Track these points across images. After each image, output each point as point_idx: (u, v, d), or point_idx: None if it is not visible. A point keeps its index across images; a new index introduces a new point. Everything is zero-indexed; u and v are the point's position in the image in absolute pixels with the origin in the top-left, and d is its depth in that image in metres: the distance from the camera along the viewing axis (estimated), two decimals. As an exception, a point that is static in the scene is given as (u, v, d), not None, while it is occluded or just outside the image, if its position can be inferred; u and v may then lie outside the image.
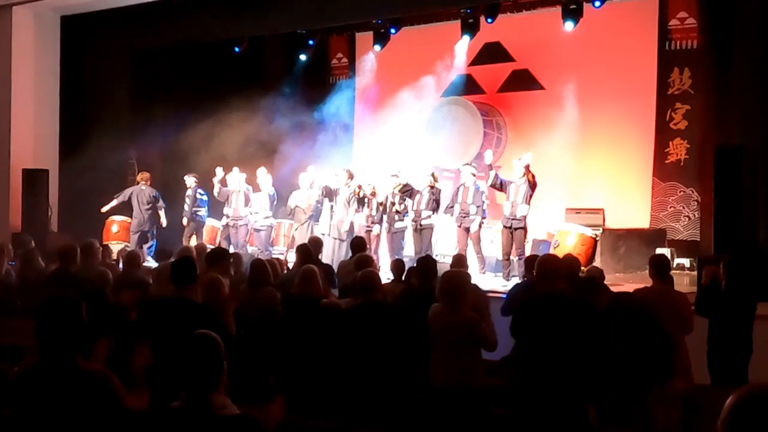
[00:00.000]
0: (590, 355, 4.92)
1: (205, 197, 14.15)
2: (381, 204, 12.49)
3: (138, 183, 14.00)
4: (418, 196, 12.10)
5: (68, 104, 15.39)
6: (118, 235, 14.06)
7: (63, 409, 3.31)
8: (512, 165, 11.57)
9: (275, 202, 13.54)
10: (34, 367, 3.43)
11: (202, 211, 14.18)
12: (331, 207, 12.56)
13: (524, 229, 11.17)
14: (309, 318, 5.82)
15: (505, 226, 11.27)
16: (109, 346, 4.35)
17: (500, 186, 11.41)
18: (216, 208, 14.15)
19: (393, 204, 12.35)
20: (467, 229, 11.69)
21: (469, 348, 5.35)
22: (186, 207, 14.06)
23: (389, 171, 12.81)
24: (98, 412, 3.33)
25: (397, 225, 12.32)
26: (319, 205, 12.87)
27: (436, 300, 5.47)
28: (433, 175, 12.30)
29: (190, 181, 14.07)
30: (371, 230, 12.56)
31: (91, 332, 4.13)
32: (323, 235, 12.13)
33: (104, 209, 13.84)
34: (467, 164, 12.23)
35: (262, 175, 13.39)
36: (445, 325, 5.35)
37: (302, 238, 11.93)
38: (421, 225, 11.99)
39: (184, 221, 14.10)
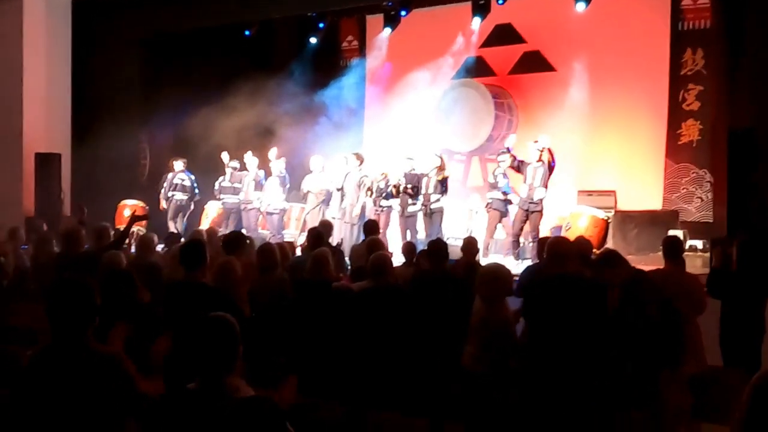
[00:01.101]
0: (601, 336, 4.92)
1: (186, 182, 14.17)
2: (395, 186, 12.45)
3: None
4: (425, 180, 12.07)
5: (80, 89, 15.44)
6: (131, 219, 14.07)
7: (75, 391, 3.32)
8: (527, 147, 11.50)
9: (287, 186, 13.56)
10: (46, 349, 3.45)
11: (180, 195, 14.16)
12: (341, 191, 12.57)
13: (540, 212, 11.17)
14: (321, 301, 5.84)
15: (521, 208, 11.26)
16: (127, 331, 4.36)
17: (518, 167, 11.36)
18: (207, 191, 14.33)
19: (405, 187, 12.32)
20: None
21: (502, 343, 5.33)
22: (162, 190, 14.19)
23: (399, 154, 12.80)
24: (110, 394, 3.35)
25: (410, 209, 12.29)
26: (330, 190, 12.90)
27: (448, 282, 5.47)
28: (440, 158, 12.26)
29: (178, 165, 14.16)
30: (381, 212, 12.56)
31: (109, 316, 4.15)
32: (333, 219, 12.16)
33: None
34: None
35: (274, 158, 13.42)
36: (481, 321, 5.34)
37: (314, 222, 11.95)
38: (430, 209, 11.97)
39: (163, 204, 14.22)
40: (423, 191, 12.05)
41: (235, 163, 13.93)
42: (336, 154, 13.22)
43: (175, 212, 14.17)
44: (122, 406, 3.41)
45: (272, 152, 13.46)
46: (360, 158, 12.65)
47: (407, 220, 12.34)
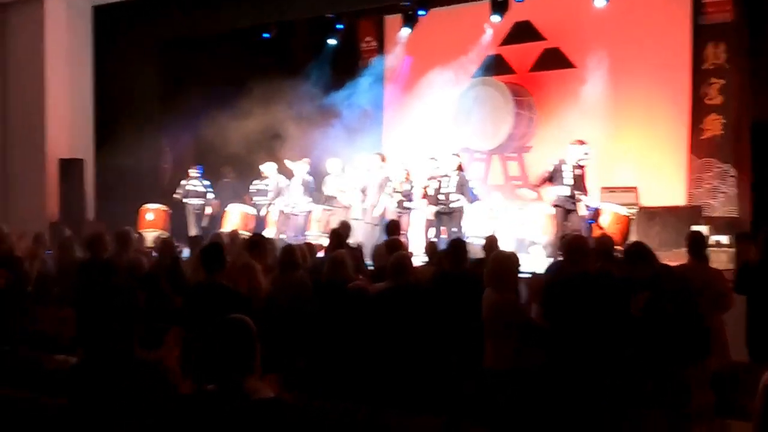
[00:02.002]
0: (623, 334, 4.89)
1: (200, 188, 14.46)
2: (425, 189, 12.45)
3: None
4: (446, 180, 12.03)
5: (101, 94, 15.58)
6: (154, 223, 14.20)
7: (118, 398, 3.34)
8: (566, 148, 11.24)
9: (312, 188, 13.61)
10: (90, 357, 3.47)
11: (194, 200, 14.48)
12: (363, 191, 12.59)
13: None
14: (338, 302, 5.84)
15: (558, 206, 11.06)
16: (180, 335, 4.41)
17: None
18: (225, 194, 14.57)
19: (426, 188, 12.31)
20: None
21: (508, 331, 5.32)
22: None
23: (419, 154, 12.78)
24: (154, 401, 3.37)
25: (432, 208, 12.24)
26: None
27: (468, 281, 5.46)
28: (458, 157, 12.22)
29: (192, 172, 14.53)
30: (404, 213, 12.56)
31: (158, 321, 4.18)
32: (356, 219, 12.18)
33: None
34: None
35: (297, 162, 13.47)
36: (493, 309, 5.33)
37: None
38: (450, 208, 11.93)
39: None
40: (444, 191, 12.00)
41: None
42: (356, 155, 13.23)
43: (193, 217, 14.45)
44: (166, 411, 3.41)
45: (293, 158, 13.54)
46: (383, 158, 12.66)
47: (430, 220, 12.29)
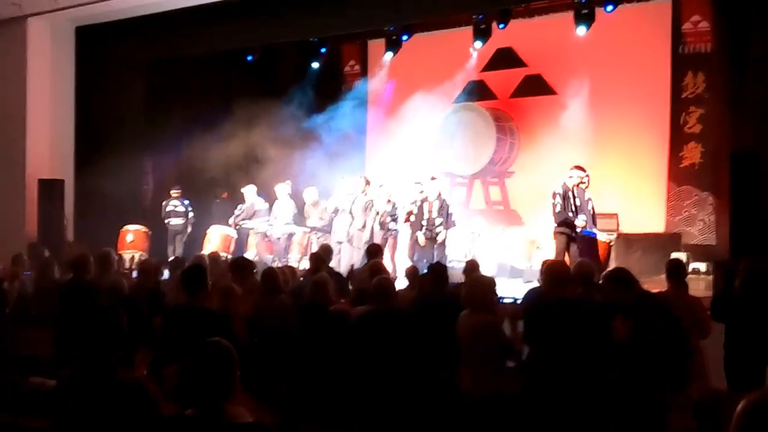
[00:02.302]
0: (601, 358, 4.90)
1: (180, 207, 14.50)
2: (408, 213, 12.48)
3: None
4: (427, 205, 12.07)
5: (84, 114, 15.50)
6: (134, 244, 14.11)
7: (102, 419, 3.33)
8: (565, 176, 11.27)
9: (294, 211, 13.62)
10: (72, 377, 3.45)
11: (174, 221, 14.53)
12: (351, 213, 12.60)
13: None
14: (320, 326, 5.83)
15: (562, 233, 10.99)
16: (149, 357, 4.38)
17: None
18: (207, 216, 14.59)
19: (410, 212, 12.35)
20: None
21: (489, 352, 5.33)
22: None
23: (402, 178, 12.82)
24: (137, 421, 3.35)
25: (419, 232, 12.24)
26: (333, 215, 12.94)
27: (447, 305, 5.47)
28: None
29: (174, 193, 14.60)
30: (389, 236, 12.56)
31: (132, 342, 4.16)
32: (340, 243, 12.21)
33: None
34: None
35: (280, 184, 13.48)
36: (468, 330, 5.34)
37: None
38: (435, 233, 11.95)
39: None
40: (426, 216, 12.03)
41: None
42: (340, 178, 13.25)
43: (171, 238, 14.50)
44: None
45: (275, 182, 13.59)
46: (367, 182, 12.69)
47: (418, 244, 12.29)
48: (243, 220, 13.88)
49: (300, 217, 13.66)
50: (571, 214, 10.76)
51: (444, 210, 12.00)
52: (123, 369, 3.50)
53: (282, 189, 13.52)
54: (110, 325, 3.46)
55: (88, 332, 3.44)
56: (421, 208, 12.07)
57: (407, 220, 12.45)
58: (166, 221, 14.52)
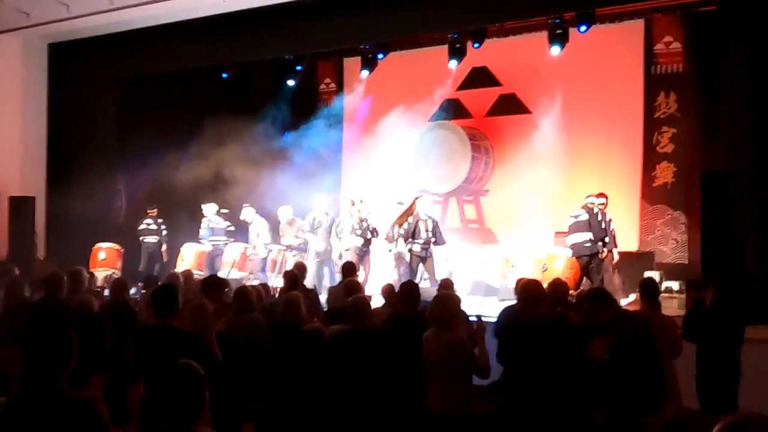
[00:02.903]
0: (573, 378, 4.90)
1: (153, 226, 14.60)
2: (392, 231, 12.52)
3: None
4: (422, 224, 12.11)
5: (56, 131, 15.35)
6: (105, 262, 13.99)
7: None
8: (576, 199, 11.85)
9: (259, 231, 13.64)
10: (21, 395, 3.40)
11: (148, 238, 14.60)
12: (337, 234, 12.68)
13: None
14: (292, 344, 5.78)
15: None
16: (105, 380, 4.29)
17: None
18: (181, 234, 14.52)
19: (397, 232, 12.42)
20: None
21: (460, 371, 5.31)
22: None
23: (379, 195, 12.86)
24: None
25: (414, 249, 12.24)
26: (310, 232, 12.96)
27: (420, 324, 5.44)
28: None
29: (151, 212, 14.65)
30: (363, 255, 12.55)
31: (86, 363, 4.09)
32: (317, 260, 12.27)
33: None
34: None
35: (245, 208, 13.70)
36: (436, 349, 5.32)
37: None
38: (429, 252, 12.09)
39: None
40: (424, 236, 12.09)
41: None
42: (315, 196, 13.22)
43: (145, 256, 14.53)
44: None
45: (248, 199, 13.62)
46: (352, 203, 12.69)
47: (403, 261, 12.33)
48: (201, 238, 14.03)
49: (275, 236, 13.64)
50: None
51: (436, 228, 12.09)
52: (71, 388, 3.45)
53: (249, 212, 13.61)
54: (59, 344, 3.43)
55: (37, 351, 3.41)
56: (416, 226, 12.07)
57: (390, 239, 12.44)
58: (140, 238, 14.48)
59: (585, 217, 11.44)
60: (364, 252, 12.59)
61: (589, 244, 11.36)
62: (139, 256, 14.45)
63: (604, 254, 11.32)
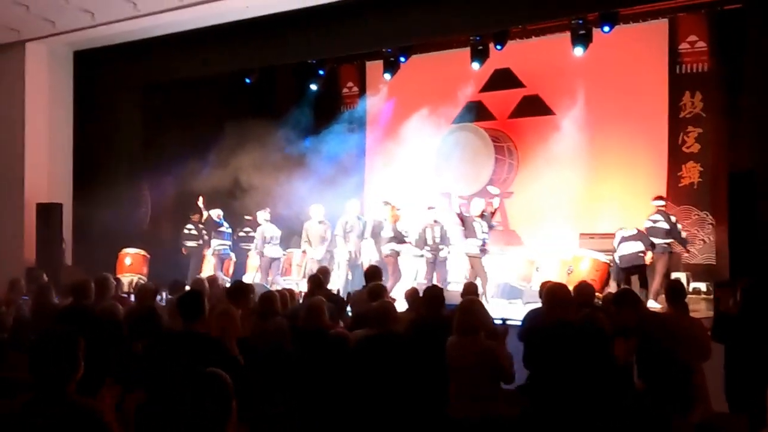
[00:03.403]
0: (601, 383, 4.86)
1: (194, 231, 14.43)
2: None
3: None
4: (428, 230, 12.14)
5: (81, 138, 15.51)
6: (132, 268, 14.09)
7: None
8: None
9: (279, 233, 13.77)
10: (28, 401, 3.41)
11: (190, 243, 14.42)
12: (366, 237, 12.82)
13: None
14: (316, 349, 5.78)
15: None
16: (117, 389, 4.29)
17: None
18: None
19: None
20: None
21: (488, 378, 5.29)
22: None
23: (402, 199, 12.93)
24: None
25: (441, 254, 12.29)
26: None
27: (443, 328, 5.42)
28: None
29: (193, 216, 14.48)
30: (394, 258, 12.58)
31: (99, 370, 4.10)
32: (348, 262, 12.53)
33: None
34: None
35: (261, 212, 13.75)
36: (462, 355, 5.29)
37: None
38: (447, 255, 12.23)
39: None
40: (429, 242, 12.17)
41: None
42: (350, 201, 13.26)
43: (194, 261, 14.40)
44: None
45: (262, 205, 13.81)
46: (393, 207, 12.75)
47: (438, 265, 12.34)
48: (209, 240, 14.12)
49: (295, 239, 13.69)
50: None
51: (444, 234, 12.24)
52: (78, 394, 3.43)
53: (262, 215, 13.67)
54: (66, 350, 3.42)
55: (43, 357, 3.40)
56: (441, 230, 12.25)
57: (422, 244, 12.45)
58: (183, 242, 14.35)
59: (664, 222, 11.49)
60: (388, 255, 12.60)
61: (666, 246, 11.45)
62: (166, 262, 14.41)
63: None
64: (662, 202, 11.68)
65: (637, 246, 11.20)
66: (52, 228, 14.20)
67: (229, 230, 14.28)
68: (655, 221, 11.50)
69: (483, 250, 11.81)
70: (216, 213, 14.13)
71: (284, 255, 13.99)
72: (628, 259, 11.24)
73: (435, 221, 12.24)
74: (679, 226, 11.64)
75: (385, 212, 12.75)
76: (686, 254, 12.01)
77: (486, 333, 5.54)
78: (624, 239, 11.33)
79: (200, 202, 14.12)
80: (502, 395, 5.45)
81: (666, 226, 11.38)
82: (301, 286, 12.09)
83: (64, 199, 14.86)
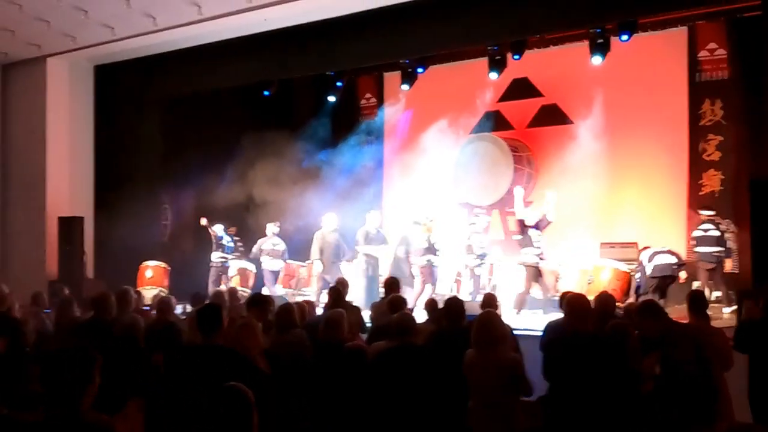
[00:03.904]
0: (622, 394, 4.83)
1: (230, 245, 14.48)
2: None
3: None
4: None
5: (102, 152, 15.64)
6: (153, 281, 14.16)
7: None
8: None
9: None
10: (42, 417, 3.41)
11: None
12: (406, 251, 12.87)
13: None
14: (335, 362, 5.78)
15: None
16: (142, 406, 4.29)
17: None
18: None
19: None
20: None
21: (509, 390, 5.26)
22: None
23: (421, 210, 12.98)
24: None
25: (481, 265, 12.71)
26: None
27: (464, 340, 5.39)
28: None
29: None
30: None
31: (121, 385, 4.11)
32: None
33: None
34: None
35: (270, 224, 13.92)
36: (482, 369, 5.27)
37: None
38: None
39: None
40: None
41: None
42: (371, 212, 13.29)
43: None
44: None
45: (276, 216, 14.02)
46: (428, 219, 12.77)
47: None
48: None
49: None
50: None
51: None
52: (94, 411, 3.42)
53: (271, 228, 13.85)
54: (79, 365, 3.41)
55: (57, 372, 3.40)
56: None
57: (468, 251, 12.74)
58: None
59: (716, 230, 11.62)
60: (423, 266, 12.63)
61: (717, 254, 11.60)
62: (188, 274, 14.44)
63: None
64: (712, 212, 11.81)
65: (672, 258, 11.37)
66: (74, 242, 14.31)
67: (231, 243, 14.32)
68: (706, 230, 11.55)
69: (540, 259, 11.90)
70: (219, 227, 14.21)
71: (282, 268, 14.08)
72: (661, 269, 11.25)
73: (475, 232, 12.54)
74: (727, 236, 11.78)
75: (418, 230, 12.74)
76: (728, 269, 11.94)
77: (509, 345, 5.51)
78: (657, 253, 11.39)
79: (203, 221, 14.15)
80: (522, 408, 5.42)
81: (717, 233, 11.56)
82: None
83: (85, 213, 14.98)
